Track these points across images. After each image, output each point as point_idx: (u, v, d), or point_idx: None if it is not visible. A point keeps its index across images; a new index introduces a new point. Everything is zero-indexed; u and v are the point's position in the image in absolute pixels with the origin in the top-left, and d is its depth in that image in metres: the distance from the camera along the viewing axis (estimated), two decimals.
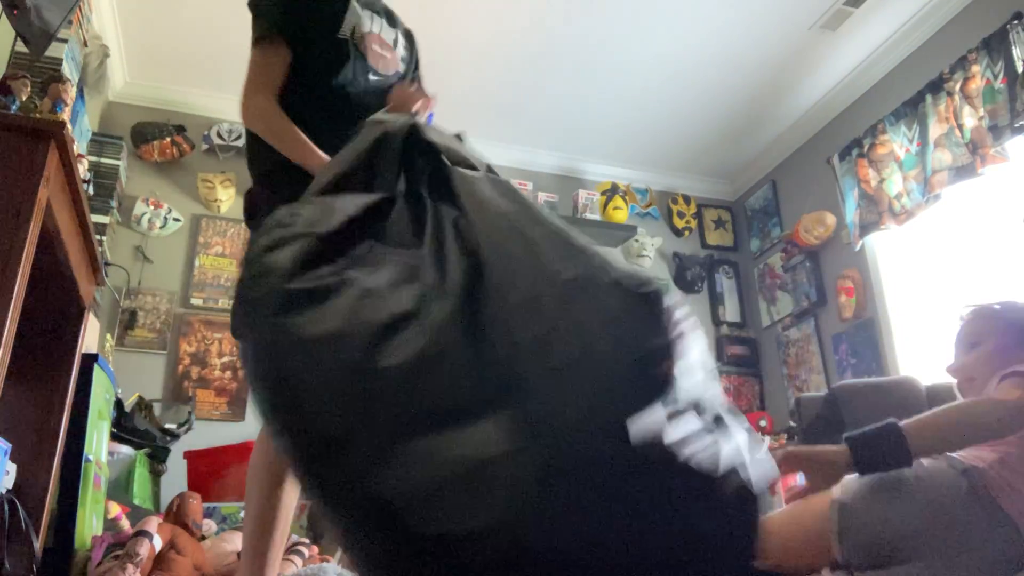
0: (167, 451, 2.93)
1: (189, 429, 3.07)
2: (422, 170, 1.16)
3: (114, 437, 2.63)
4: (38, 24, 2.07)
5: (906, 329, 3.52)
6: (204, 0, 3.36)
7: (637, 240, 4.45)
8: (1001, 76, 2.91)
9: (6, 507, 1.56)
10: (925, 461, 1.33)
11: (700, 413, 0.88)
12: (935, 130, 3.22)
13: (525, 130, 4.34)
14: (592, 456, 0.78)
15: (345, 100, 1.60)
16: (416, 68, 1.86)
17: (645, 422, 0.78)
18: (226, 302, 3.75)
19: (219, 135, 4.00)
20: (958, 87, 3.11)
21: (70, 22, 2.64)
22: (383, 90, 1.64)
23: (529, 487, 0.77)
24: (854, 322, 3.73)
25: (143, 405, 2.97)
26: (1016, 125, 2.83)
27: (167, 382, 3.54)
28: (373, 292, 0.91)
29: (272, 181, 1.57)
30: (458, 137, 1.23)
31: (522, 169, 4.50)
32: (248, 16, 1.62)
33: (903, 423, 1.30)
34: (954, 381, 1.68)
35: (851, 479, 1.32)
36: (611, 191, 4.49)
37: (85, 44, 3.03)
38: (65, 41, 2.65)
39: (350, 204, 1.05)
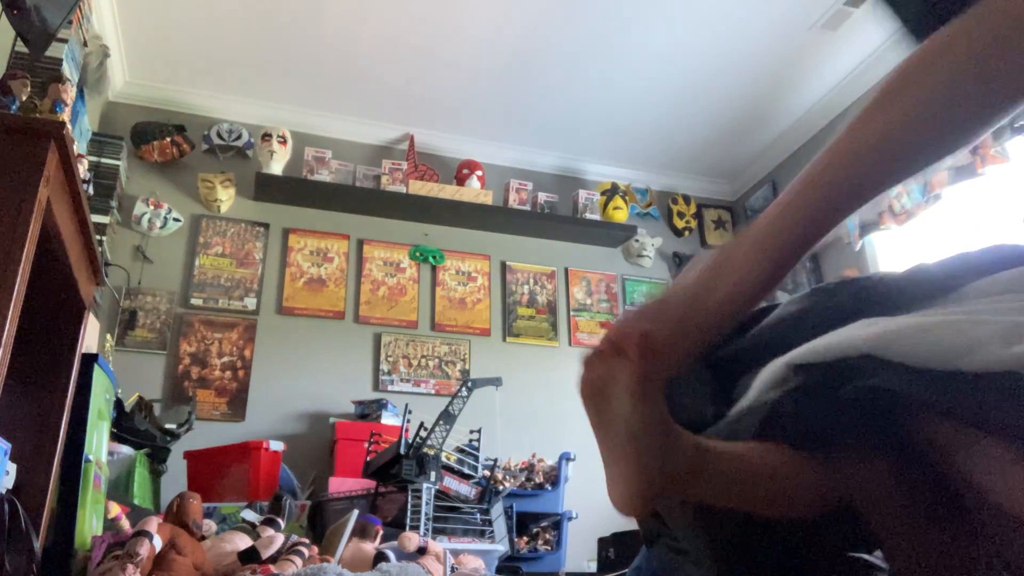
0: (167, 451, 2.93)
1: (189, 429, 3.07)
2: None
3: (114, 437, 2.62)
4: (38, 24, 2.07)
5: None
6: (204, 0, 3.36)
7: (637, 240, 4.45)
8: None
9: (6, 507, 1.56)
10: None
11: None
12: None
13: (525, 130, 4.34)
14: None
15: None
16: None
17: None
18: (226, 302, 3.75)
19: (219, 135, 4.00)
20: None
21: (70, 22, 2.64)
22: None
23: None
24: None
25: (143, 405, 2.97)
26: (1016, 125, 2.83)
27: (167, 382, 3.54)
28: None
29: None
30: None
31: (522, 169, 4.50)
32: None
33: None
34: None
35: None
36: (611, 191, 4.49)
37: (85, 44, 3.03)
38: (65, 41, 2.65)
39: None
